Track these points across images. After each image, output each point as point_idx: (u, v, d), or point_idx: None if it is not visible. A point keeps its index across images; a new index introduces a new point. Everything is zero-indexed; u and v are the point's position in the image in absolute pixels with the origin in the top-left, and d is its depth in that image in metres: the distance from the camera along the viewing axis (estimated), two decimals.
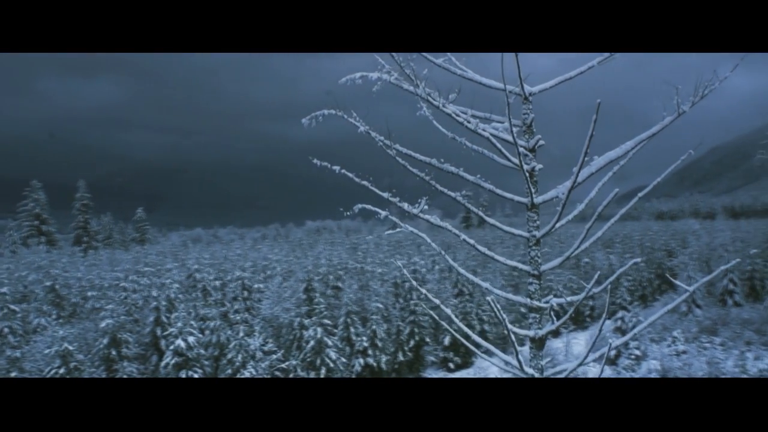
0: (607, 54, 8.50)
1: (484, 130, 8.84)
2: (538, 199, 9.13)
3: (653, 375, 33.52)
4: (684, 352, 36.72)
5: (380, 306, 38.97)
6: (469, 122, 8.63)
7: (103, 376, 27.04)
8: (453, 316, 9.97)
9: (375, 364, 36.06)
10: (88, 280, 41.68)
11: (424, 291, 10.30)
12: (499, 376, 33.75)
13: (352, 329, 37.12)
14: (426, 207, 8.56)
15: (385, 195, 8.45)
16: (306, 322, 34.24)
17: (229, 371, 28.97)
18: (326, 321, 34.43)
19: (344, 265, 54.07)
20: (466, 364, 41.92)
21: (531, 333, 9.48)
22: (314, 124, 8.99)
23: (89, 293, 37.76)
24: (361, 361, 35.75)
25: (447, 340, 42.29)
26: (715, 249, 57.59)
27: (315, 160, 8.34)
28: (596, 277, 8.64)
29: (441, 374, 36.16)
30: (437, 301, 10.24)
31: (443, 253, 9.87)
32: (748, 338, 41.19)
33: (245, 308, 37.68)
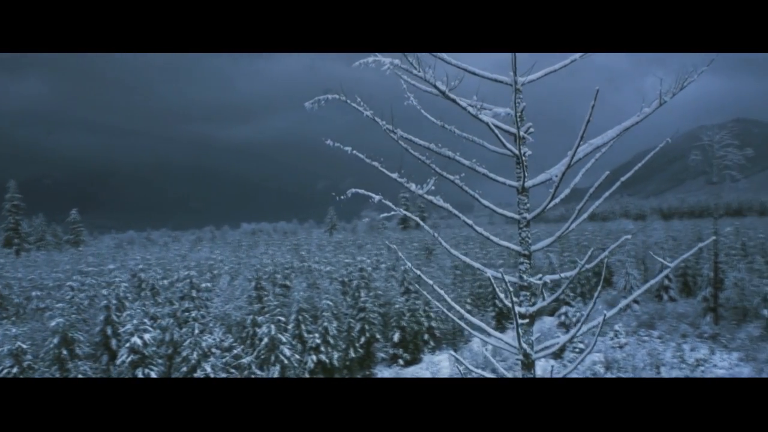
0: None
1: (479, 116, 9.24)
2: (528, 183, 9.57)
3: (598, 366, 34.68)
4: (626, 344, 38.18)
5: (330, 304, 39.16)
6: (469, 108, 9.03)
7: (57, 375, 26.42)
8: (447, 298, 10.32)
9: (327, 361, 36.25)
10: (30, 280, 40.54)
11: (418, 272, 10.65)
12: (451, 375, 34.39)
13: (303, 327, 37.21)
14: (433, 188, 8.92)
15: (394, 176, 8.78)
16: (259, 319, 34.19)
17: (185, 369, 28.73)
18: (280, 318, 34.44)
19: (290, 265, 54.06)
20: (415, 360, 42.52)
21: (522, 310, 9.90)
22: (317, 107, 9.23)
23: (33, 293, 36.76)
24: (314, 357, 35.89)
25: (396, 337, 42.79)
26: (650, 247, 59.82)
27: (328, 141, 8.63)
28: (589, 253, 9.17)
29: (394, 370, 36.67)
30: (430, 282, 10.57)
31: (436, 235, 10.21)
32: (684, 331, 43.12)
33: (195, 307, 37.31)
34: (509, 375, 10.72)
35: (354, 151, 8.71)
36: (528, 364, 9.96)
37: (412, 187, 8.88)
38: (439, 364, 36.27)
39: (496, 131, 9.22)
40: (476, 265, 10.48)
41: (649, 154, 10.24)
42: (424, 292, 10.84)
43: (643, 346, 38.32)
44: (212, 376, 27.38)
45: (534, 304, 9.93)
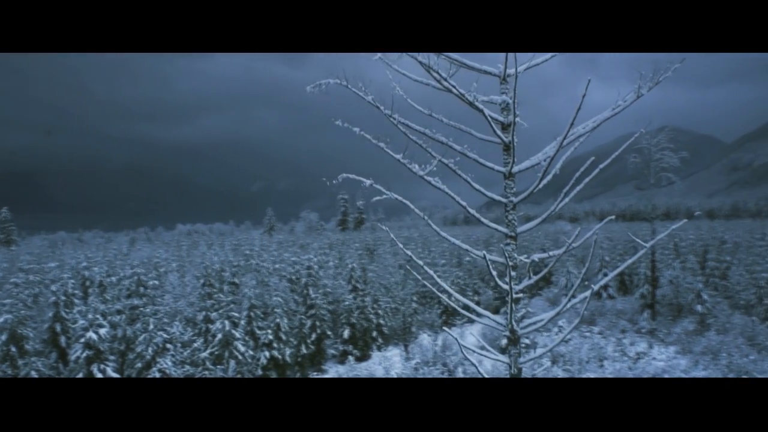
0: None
1: (476, 103, 9.76)
2: (515, 169, 10.14)
3: (544, 360, 35.74)
4: (570, 339, 39.45)
5: (281, 300, 39.26)
6: (464, 96, 9.56)
7: (8, 372, 25.87)
8: (440, 281, 10.78)
9: (280, 357, 36.33)
10: None
11: (409, 253, 11.09)
12: (402, 371, 34.92)
13: (255, 323, 37.21)
14: (434, 169, 9.38)
15: (398, 157, 9.22)
16: (212, 315, 34.07)
17: (139, 365, 28.47)
18: (234, 314, 34.38)
19: (237, 263, 53.88)
20: (365, 357, 42.94)
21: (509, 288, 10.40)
22: (318, 91, 9.60)
23: None
24: (267, 353, 35.92)
25: (346, 334, 43.16)
26: (588, 247, 61.66)
27: (337, 122, 9.00)
28: (577, 233, 9.82)
29: (348, 366, 36.87)
30: (420, 263, 11.01)
31: (427, 219, 10.66)
32: (623, 327, 44.86)
33: (144, 304, 36.87)
34: (492, 355, 11.20)
35: (362, 132, 9.11)
36: (514, 339, 10.52)
37: (415, 168, 9.34)
38: (391, 359, 36.83)
39: (489, 119, 9.78)
40: (465, 246, 10.99)
41: (624, 144, 10.97)
42: (417, 275, 11.30)
43: (585, 341, 39.69)
44: (168, 371, 27.24)
45: (520, 282, 10.52)
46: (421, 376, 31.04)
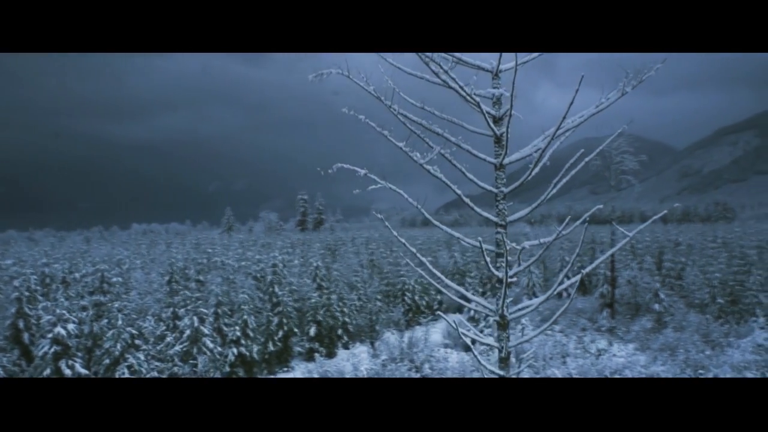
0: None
1: (473, 96, 10.16)
2: (506, 160, 10.58)
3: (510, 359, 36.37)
4: (534, 337, 40.25)
5: (247, 298, 39.23)
6: (463, 88, 9.95)
7: None
8: (431, 267, 11.12)
9: (248, 354, 36.32)
10: None
11: (402, 241, 11.41)
12: (370, 367, 35.21)
13: (222, 320, 37.12)
14: (434, 158, 9.74)
15: (401, 145, 9.55)
16: (180, 312, 33.92)
17: (107, 361, 28.23)
18: (202, 310, 34.26)
19: (201, 261, 53.64)
20: (330, 354, 43.11)
21: (500, 274, 10.82)
22: (319, 80, 9.89)
23: None
24: (235, 350, 35.87)
25: (312, 331, 43.29)
26: (549, 249, 62.94)
27: (344, 109, 9.28)
28: (566, 221, 10.27)
29: (319, 362, 36.94)
30: (413, 250, 11.33)
31: (419, 207, 10.98)
32: (583, 325, 45.94)
33: (109, 300, 36.51)
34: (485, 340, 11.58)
35: (366, 120, 9.42)
36: (503, 324, 10.93)
37: (416, 156, 9.69)
38: (359, 356, 37.03)
39: (484, 112, 10.19)
40: (457, 234, 11.38)
41: (604, 143, 11.48)
42: (410, 262, 11.64)
43: (548, 339, 40.54)
44: (139, 366, 27.09)
45: (511, 269, 10.93)
46: (390, 373, 31.36)
